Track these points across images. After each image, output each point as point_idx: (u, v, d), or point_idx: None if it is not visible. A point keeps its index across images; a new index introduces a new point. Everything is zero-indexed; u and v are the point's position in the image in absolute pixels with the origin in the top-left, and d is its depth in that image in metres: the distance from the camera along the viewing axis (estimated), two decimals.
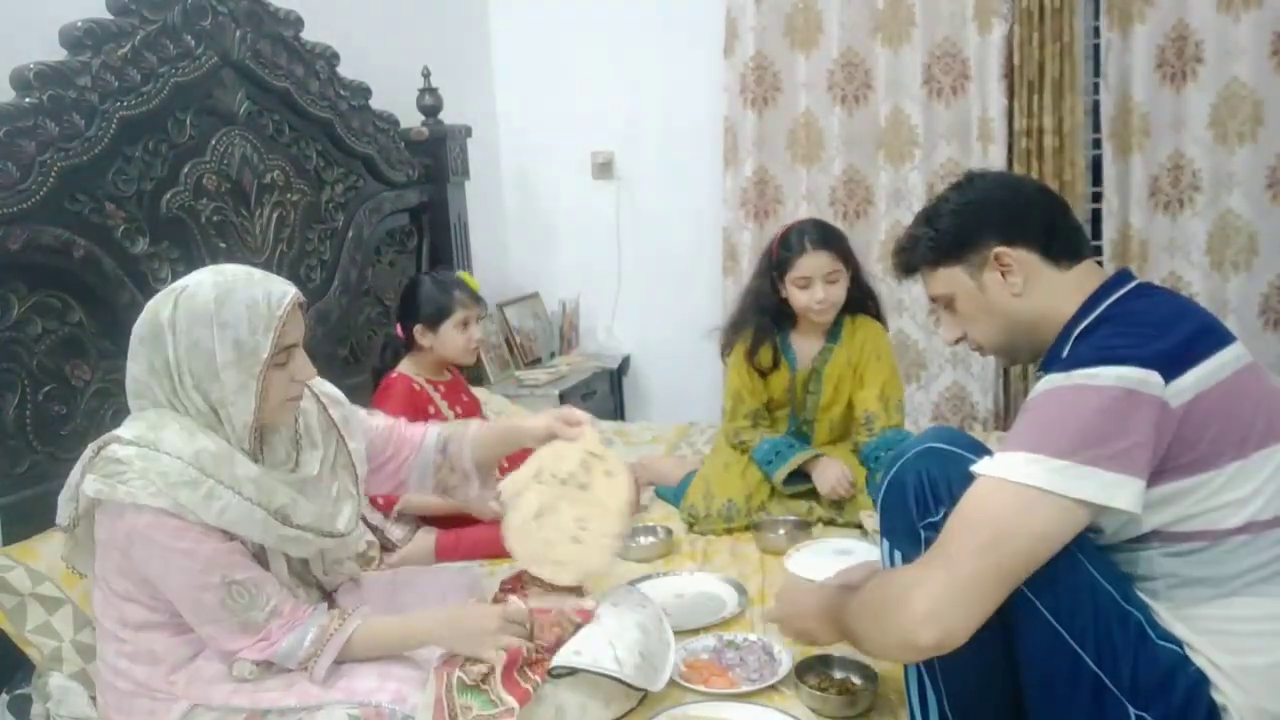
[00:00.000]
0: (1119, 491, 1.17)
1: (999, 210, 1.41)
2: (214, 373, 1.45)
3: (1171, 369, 1.20)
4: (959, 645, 1.20)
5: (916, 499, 1.32)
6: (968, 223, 1.41)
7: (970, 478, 1.25)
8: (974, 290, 1.41)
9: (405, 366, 2.52)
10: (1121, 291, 1.34)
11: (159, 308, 1.47)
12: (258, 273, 1.52)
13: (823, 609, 1.50)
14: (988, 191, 1.43)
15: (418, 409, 2.44)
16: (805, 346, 2.49)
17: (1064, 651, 1.22)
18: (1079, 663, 1.22)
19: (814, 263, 2.34)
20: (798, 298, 2.38)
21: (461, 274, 2.61)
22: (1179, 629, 1.24)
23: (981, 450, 1.32)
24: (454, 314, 2.44)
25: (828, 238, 2.38)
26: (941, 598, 1.19)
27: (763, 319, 2.46)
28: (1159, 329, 1.25)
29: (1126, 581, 1.27)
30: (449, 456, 1.81)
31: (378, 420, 1.81)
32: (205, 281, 1.48)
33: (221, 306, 1.44)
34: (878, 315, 2.53)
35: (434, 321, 2.45)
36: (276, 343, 1.46)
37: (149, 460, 1.41)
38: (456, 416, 2.50)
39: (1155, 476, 1.20)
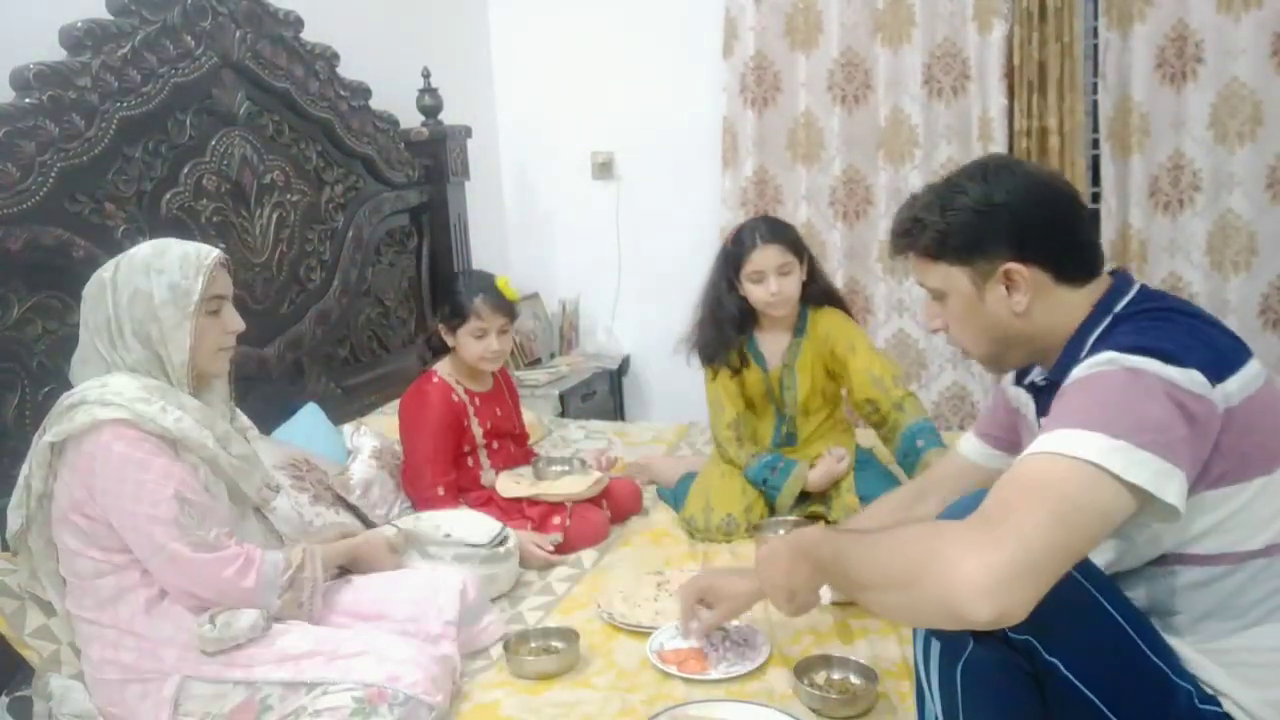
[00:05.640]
0: (1168, 482, 1.07)
1: (1019, 221, 1.27)
2: (152, 313, 1.60)
3: (1214, 373, 1.13)
4: (1013, 624, 1.07)
5: None
6: (983, 227, 1.29)
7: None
8: (973, 297, 1.32)
9: (444, 367, 2.46)
10: (1129, 295, 1.28)
11: (101, 272, 1.65)
12: (187, 241, 1.73)
13: (797, 553, 1.36)
14: (1012, 196, 1.28)
15: (455, 425, 2.40)
16: (773, 344, 2.49)
17: None
18: None
19: (765, 256, 2.36)
20: (753, 293, 2.40)
21: (500, 280, 2.46)
22: (1203, 665, 1.20)
23: None
24: (469, 322, 2.38)
25: (778, 231, 2.41)
26: (1006, 571, 1.03)
27: (722, 322, 2.47)
28: (1192, 333, 1.17)
29: (1169, 652, 1.20)
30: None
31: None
32: (142, 245, 1.68)
33: (159, 258, 1.63)
34: (842, 306, 2.54)
35: (452, 324, 2.40)
36: (206, 288, 1.63)
37: (103, 389, 1.56)
38: (485, 434, 2.47)
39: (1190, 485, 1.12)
